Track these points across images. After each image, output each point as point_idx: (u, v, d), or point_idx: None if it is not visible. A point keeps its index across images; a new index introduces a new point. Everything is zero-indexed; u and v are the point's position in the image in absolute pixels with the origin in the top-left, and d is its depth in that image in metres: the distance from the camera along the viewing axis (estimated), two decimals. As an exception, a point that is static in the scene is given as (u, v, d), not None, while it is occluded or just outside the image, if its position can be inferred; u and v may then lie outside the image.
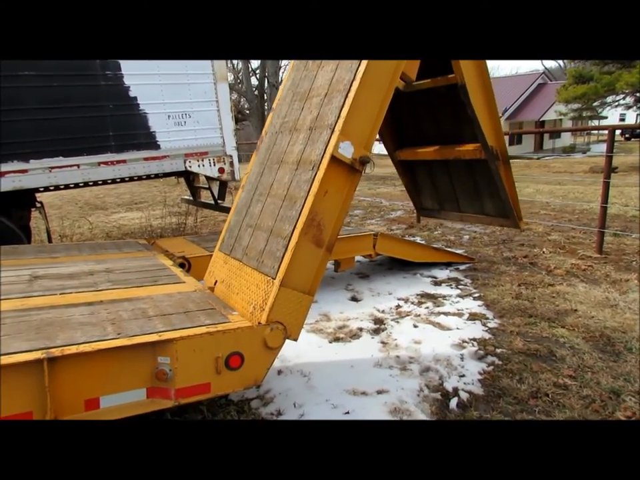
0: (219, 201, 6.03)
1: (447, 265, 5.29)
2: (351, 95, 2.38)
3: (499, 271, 5.03)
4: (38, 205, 5.32)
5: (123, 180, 5.09)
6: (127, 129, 5.01)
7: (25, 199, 5.10)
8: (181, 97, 5.27)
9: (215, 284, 2.85)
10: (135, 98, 5.02)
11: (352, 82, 2.42)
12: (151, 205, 11.61)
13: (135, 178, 5.17)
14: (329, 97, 2.58)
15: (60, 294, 2.54)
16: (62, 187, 4.94)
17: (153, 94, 5.10)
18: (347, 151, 2.38)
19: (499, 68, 64.38)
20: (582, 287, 4.43)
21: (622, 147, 31.01)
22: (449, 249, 5.69)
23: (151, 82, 5.08)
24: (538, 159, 27.11)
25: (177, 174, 5.78)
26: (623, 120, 37.79)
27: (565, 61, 44.35)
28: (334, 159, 2.33)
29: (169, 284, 2.80)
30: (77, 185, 5.03)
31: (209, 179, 5.87)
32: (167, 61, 5.15)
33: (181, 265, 3.61)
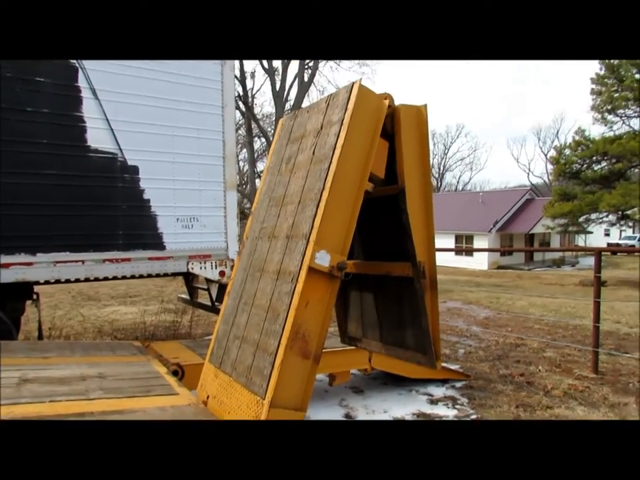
0: (217, 303, 6.05)
1: (443, 381, 5.19)
2: (322, 204, 2.41)
3: (496, 390, 4.93)
4: (34, 297, 5.30)
5: (124, 277, 5.14)
6: (137, 228, 5.19)
7: (22, 291, 5.09)
8: (191, 201, 5.53)
9: (207, 398, 2.78)
10: (148, 200, 5.26)
11: (322, 191, 2.46)
12: (145, 299, 11.56)
13: (137, 276, 5.23)
14: (302, 205, 2.62)
15: (49, 401, 2.46)
16: (63, 280, 4.98)
17: (165, 197, 5.37)
18: (324, 260, 2.39)
19: (489, 182, 68.32)
20: (580, 410, 4.33)
21: (609, 260, 31.85)
22: (444, 365, 5.61)
23: (164, 187, 5.37)
24: (529, 270, 27.71)
25: (179, 274, 5.86)
26: (607, 235, 39.35)
27: (550, 178, 47.19)
28: (312, 269, 2.34)
29: (162, 395, 2.73)
30: (77, 280, 5.07)
31: (208, 280, 5.96)
32: (183, 165, 5.48)
33: (174, 372, 3.54)
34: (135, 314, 8.68)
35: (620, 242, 37.87)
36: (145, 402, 2.60)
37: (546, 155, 54.45)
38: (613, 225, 22.69)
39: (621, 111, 19.54)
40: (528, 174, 61.29)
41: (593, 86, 20.44)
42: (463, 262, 29.84)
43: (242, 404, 2.37)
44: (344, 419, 4.14)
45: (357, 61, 24.35)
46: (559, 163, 21.40)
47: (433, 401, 4.62)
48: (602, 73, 19.93)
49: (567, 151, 21.32)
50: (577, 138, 21.09)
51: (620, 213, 19.92)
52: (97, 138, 4.99)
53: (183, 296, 7.46)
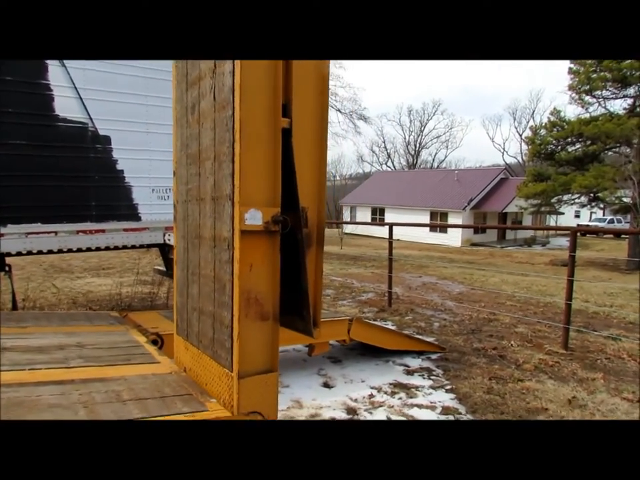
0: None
1: (419, 353, 5.32)
2: (237, 159, 2.16)
3: (470, 363, 5.08)
4: (6, 268, 5.17)
5: (98, 249, 5.04)
6: (110, 199, 5.07)
7: (-7, 262, 4.98)
8: (167, 172, 5.40)
9: (184, 370, 2.77)
10: (122, 171, 5.13)
11: (233, 144, 2.19)
12: (120, 271, 11.38)
13: (112, 247, 5.14)
14: (218, 161, 2.37)
15: (29, 369, 2.43)
16: (35, 252, 4.86)
17: (139, 168, 5.24)
18: (255, 219, 2.21)
19: (464, 160, 68.93)
20: (550, 384, 4.51)
21: (579, 241, 32.72)
22: (420, 337, 5.74)
23: (139, 157, 5.23)
24: (501, 248, 28.33)
25: (155, 245, 5.77)
26: (577, 216, 40.38)
27: (524, 158, 47.90)
28: (245, 232, 2.17)
29: (143, 363, 2.73)
30: (50, 251, 4.95)
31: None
32: (157, 136, 5.35)
33: (154, 342, 3.52)
34: (109, 285, 8.55)
35: (590, 224, 38.97)
36: (126, 370, 2.59)
37: (521, 135, 55.14)
38: (584, 206, 23.25)
39: (598, 92, 19.79)
40: (502, 153, 62.17)
41: (572, 65, 20.57)
42: (436, 239, 30.34)
43: (214, 376, 2.36)
44: (322, 387, 4.22)
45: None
46: (535, 143, 21.69)
47: (409, 372, 4.74)
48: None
49: (543, 132, 21.60)
50: (552, 119, 21.35)
51: (592, 194, 20.42)
52: (65, 107, 4.81)
53: (159, 267, 7.37)
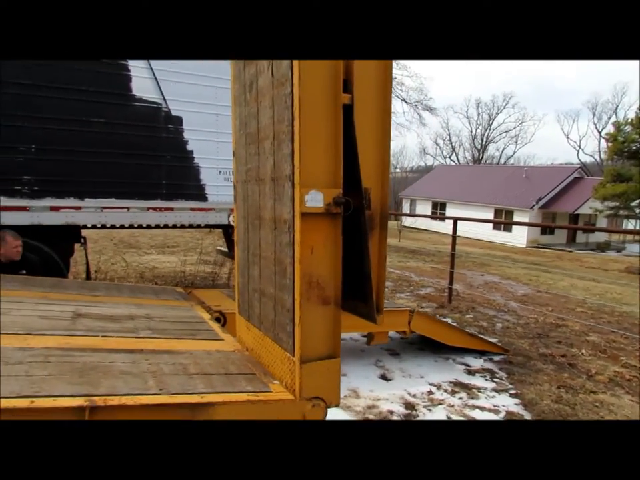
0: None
1: (481, 353, 5.09)
2: (297, 138, 2.06)
3: (536, 368, 4.80)
4: (82, 240, 5.46)
5: (166, 226, 5.20)
6: (180, 179, 5.21)
7: (71, 234, 5.25)
8: (233, 154, 5.47)
9: (247, 350, 2.77)
10: (191, 151, 5.25)
11: (292, 122, 2.09)
12: (184, 250, 11.79)
13: (179, 226, 5.28)
14: (277, 140, 2.27)
15: (102, 337, 2.51)
16: (108, 226, 5.09)
17: (208, 149, 5.35)
18: (317, 201, 2.11)
19: (534, 157, 65.40)
20: (628, 399, 4.16)
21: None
22: (483, 337, 5.50)
23: (208, 138, 5.33)
24: (570, 251, 26.75)
25: (219, 226, 5.89)
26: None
27: (603, 157, 44.81)
28: (305, 214, 2.08)
29: (207, 339, 2.76)
30: (122, 226, 5.17)
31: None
32: (225, 118, 5.41)
33: (217, 320, 3.57)
34: (173, 263, 8.88)
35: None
36: (192, 344, 2.62)
37: (600, 132, 51.53)
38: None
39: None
40: (578, 151, 58.20)
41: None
42: (499, 237, 29.12)
43: (276, 359, 2.34)
44: (380, 379, 4.14)
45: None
46: (617, 140, 20.17)
47: (470, 372, 4.55)
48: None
49: (628, 128, 20.03)
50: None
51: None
52: (141, 87, 4.98)
53: (221, 248, 7.54)
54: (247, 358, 2.53)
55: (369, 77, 2.36)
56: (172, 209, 5.17)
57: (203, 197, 5.36)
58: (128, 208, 5.02)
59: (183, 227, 5.37)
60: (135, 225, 5.19)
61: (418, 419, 3.40)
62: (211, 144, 5.36)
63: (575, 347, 5.78)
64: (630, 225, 35.62)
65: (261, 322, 2.51)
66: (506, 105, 72.47)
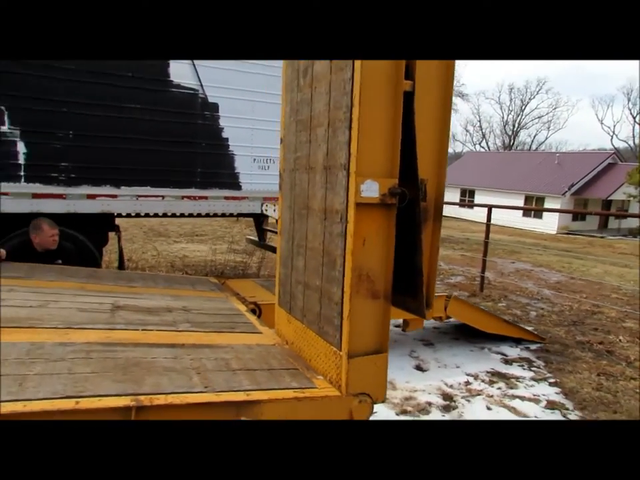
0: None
1: (517, 342, 4.98)
2: (355, 125, 1.99)
3: (574, 356, 4.67)
4: (116, 229, 5.51)
5: (199, 215, 5.21)
6: (214, 167, 5.19)
7: (106, 222, 5.30)
8: (268, 142, 5.42)
9: (287, 344, 2.73)
10: (227, 139, 5.22)
11: (351, 108, 2.02)
12: (212, 239, 11.88)
13: (212, 215, 5.28)
14: (333, 127, 2.20)
15: (142, 330, 2.52)
16: (143, 214, 5.12)
17: (243, 137, 5.30)
18: (372, 191, 2.04)
19: (566, 143, 63.25)
20: (670, 389, 4.02)
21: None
22: (519, 325, 5.37)
23: (243, 126, 5.29)
24: (602, 237, 25.95)
25: (252, 215, 5.87)
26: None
27: (637, 142, 43.08)
28: (360, 205, 2.02)
29: (246, 332, 2.74)
30: (156, 215, 5.19)
31: (279, 223, 5.93)
32: (261, 105, 5.36)
33: (252, 311, 3.56)
34: (203, 252, 8.94)
35: None
36: (231, 338, 2.61)
37: (635, 118, 49.57)
38: None
39: None
40: (612, 137, 56.16)
41: None
42: (529, 224, 28.41)
43: (320, 353, 2.29)
44: (415, 370, 4.09)
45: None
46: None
47: (507, 361, 4.45)
48: None
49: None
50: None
51: None
52: (179, 72, 4.92)
53: (252, 237, 7.55)
54: (288, 352, 2.50)
55: (429, 65, 2.28)
56: (206, 198, 5.16)
57: (236, 185, 5.33)
58: (163, 196, 5.02)
59: (216, 215, 5.37)
60: (169, 214, 5.19)
61: (457, 410, 3.34)
62: (246, 131, 5.31)
63: (612, 333, 5.63)
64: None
65: (304, 314, 2.47)
66: (539, 90, 69.99)
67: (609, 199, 29.14)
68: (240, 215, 5.67)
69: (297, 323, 2.56)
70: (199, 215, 5.24)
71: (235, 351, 2.36)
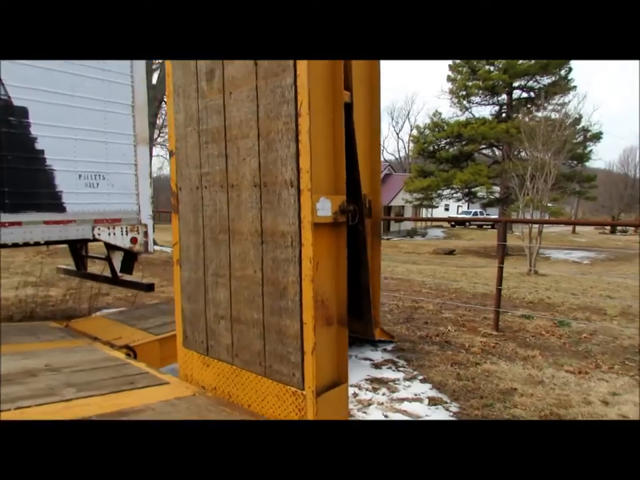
0: (126, 275, 5.26)
1: (373, 344, 5.28)
2: (304, 137, 1.81)
3: (425, 351, 5.18)
4: None
5: (16, 245, 4.13)
6: (28, 185, 4.17)
7: None
8: (96, 155, 4.63)
9: (204, 389, 2.33)
10: (42, 151, 4.25)
11: (297, 118, 1.86)
12: (9, 274, 9.63)
13: (31, 243, 4.25)
14: (267, 140, 1.99)
15: (15, 409, 1.82)
16: None
17: (63, 149, 4.40)
18: (325, 209, 1.89)
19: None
20: (503, 364, 4.77)
21: (450, 232, 36.12)
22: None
23: (63, 135, 4.39)
24: (388, 239, 30.01)
25: (83, 241, 4.93)
26: (447, 209, 44.46)
27: (402, 155, 51.16)
28: (317, 225, 1.85)
29: (153, 386, 2.23)
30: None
31: (112, 248, 5.12)
32: (84, 114, 4.54)
33: (127, 356, 2.95)
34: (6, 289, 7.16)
35: (457, 216, 43.07)
36: (140, 396, 2.09)
37: (398, 134, 59.19)
38: (459, 200, 25.62)
39: (473, 98, 21.91)
40: (382, 150, 65.96)
41: (450, 72, 22.49)
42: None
43: (267, 395, 2.01)
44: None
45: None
46: (419, 142, 23.26)
47: (377, 365, 4.67)
48: (457, 61, 22.00)
49: (427, 132, 23.26)
50: (434, 119, 23.12)
51: (467, 189, 22.56)
52: None
53: (64, 267, 6.39)
54: (217, 401, 2.12)
55: (360, 75, 2.17)
56: (20, 224, 4.10)
57: (59, 206, 4.37)
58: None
59: (37, 244, 4.32)
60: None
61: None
62: (67, 142, 4.40)
63: (440, 325, 6.43)
64: (427, 212, 41.61)
65: (235, 354, 2.13)
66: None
67: (389, 205, 33.96)
68: (67, 241, 4.69)
69: (222, 365, 2.20)
70: (15, 245, 4.15)
71: (158, 413, 1.89)
